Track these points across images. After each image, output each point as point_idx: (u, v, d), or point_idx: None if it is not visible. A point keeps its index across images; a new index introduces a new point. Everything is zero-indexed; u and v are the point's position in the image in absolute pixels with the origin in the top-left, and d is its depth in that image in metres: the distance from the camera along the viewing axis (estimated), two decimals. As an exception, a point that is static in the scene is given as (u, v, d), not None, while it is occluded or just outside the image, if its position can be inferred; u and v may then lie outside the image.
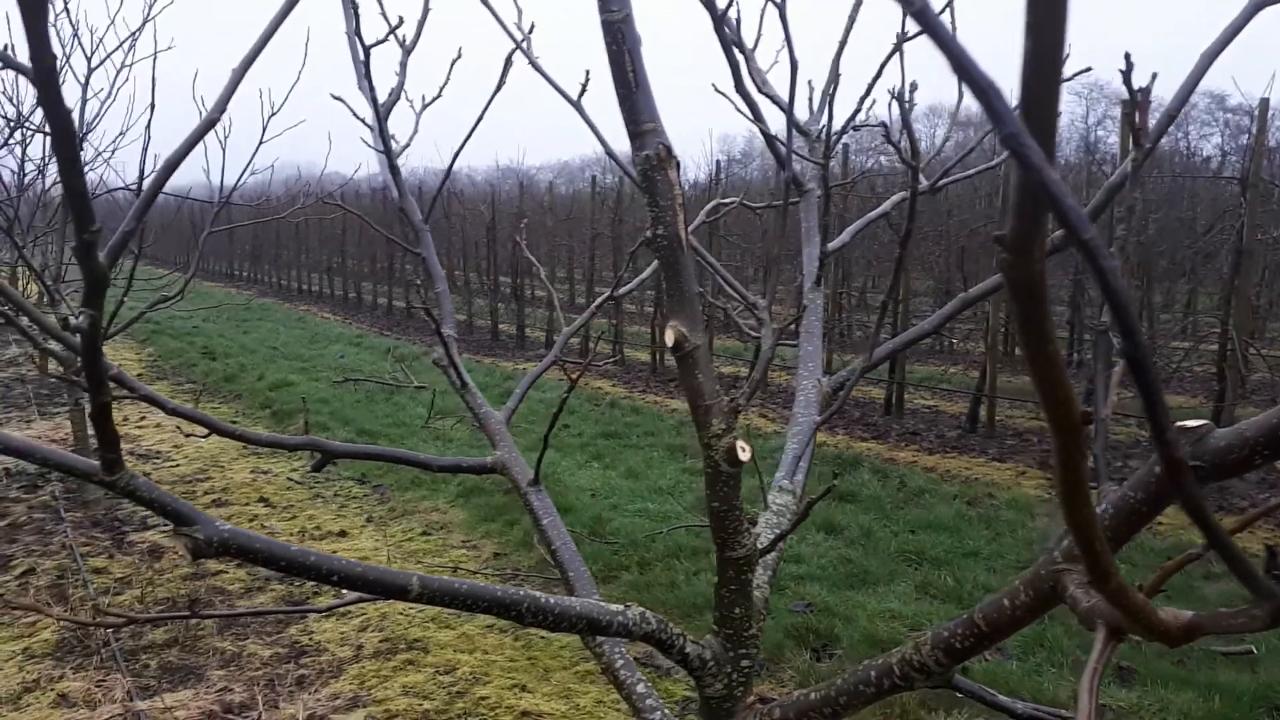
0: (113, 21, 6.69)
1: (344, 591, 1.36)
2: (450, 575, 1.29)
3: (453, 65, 2.47)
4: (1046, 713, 1.31)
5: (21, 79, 8.23)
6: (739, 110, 2.01)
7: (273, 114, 5.12)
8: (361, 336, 17.77)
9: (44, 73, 0.74)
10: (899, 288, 9.85)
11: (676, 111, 1.32)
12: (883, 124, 1.90)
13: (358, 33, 2.12)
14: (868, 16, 2.22)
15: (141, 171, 5.93)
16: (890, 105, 1.88)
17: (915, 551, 6.03)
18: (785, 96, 2.10)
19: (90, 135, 7.34)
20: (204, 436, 1.75)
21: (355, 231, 23.83)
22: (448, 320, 2.20)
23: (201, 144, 1.21)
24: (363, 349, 15.98)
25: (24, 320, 3.31)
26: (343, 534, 6.52)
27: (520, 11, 2.26)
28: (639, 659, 4.36)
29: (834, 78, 2.08)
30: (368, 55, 2.16)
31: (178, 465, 8.31)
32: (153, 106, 5.91)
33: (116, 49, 6.67)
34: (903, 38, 1.82)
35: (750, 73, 2.11)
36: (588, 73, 2.14)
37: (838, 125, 2.17)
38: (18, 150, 8.16)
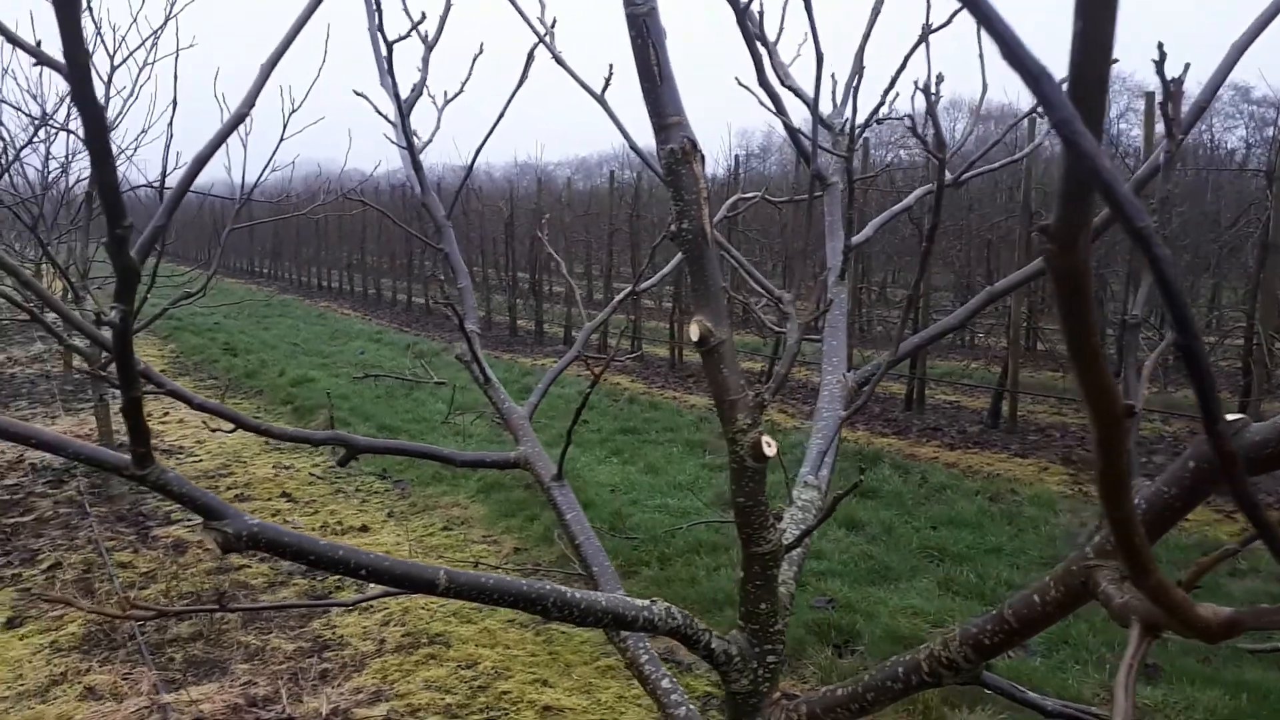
0: (135, 20, 6.74)
1: (368, 586, 1.36)
2: (472, 570, 1.29)
3: (474, 61, 2.47)
4: (1077, 709, 1.29)
5: (44, 78, 8.31)
6: (762, 104, 2.00)
7: (293, 110, 5.16)
8: (381, 333, 17.84)
9: (78, 69, 0.75)
10: (924, 281, 9.82)
11: (693, 106, 1.31)
12: (908, 116, 1.88)
13: (380, 29, 2.12)
14: (888, 6, 2.20)
15: (164, 168, 5.97)
16: (913, 98, 1.86)
17: (937, 548, 6.00)
18: (807, 89, 2.09)
19: (113, 133, 7.40)
20: (230, 432, 1.76)
21: (375, 228, 23.93)
22: (470, 315, 2.20)
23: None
24: (382, 345, 16.05)
25: (49, 316, 3.34)
26: (364, 529, 6.56)
27: (544, 6, 2.26)
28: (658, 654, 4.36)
29: (858, 69, 2.06)
30: (390, 51, 2.16)
31: (200, 460, 8.38)
32: (175, 103, 5.95)
33: (139, 47, 6.72)
34: (928, 29, 1.80)
35: (773, 66, 2.10)
36: (611, 67, 2.13)
37: (861, 118, 2.16)
38: (42, 149, 8.25)
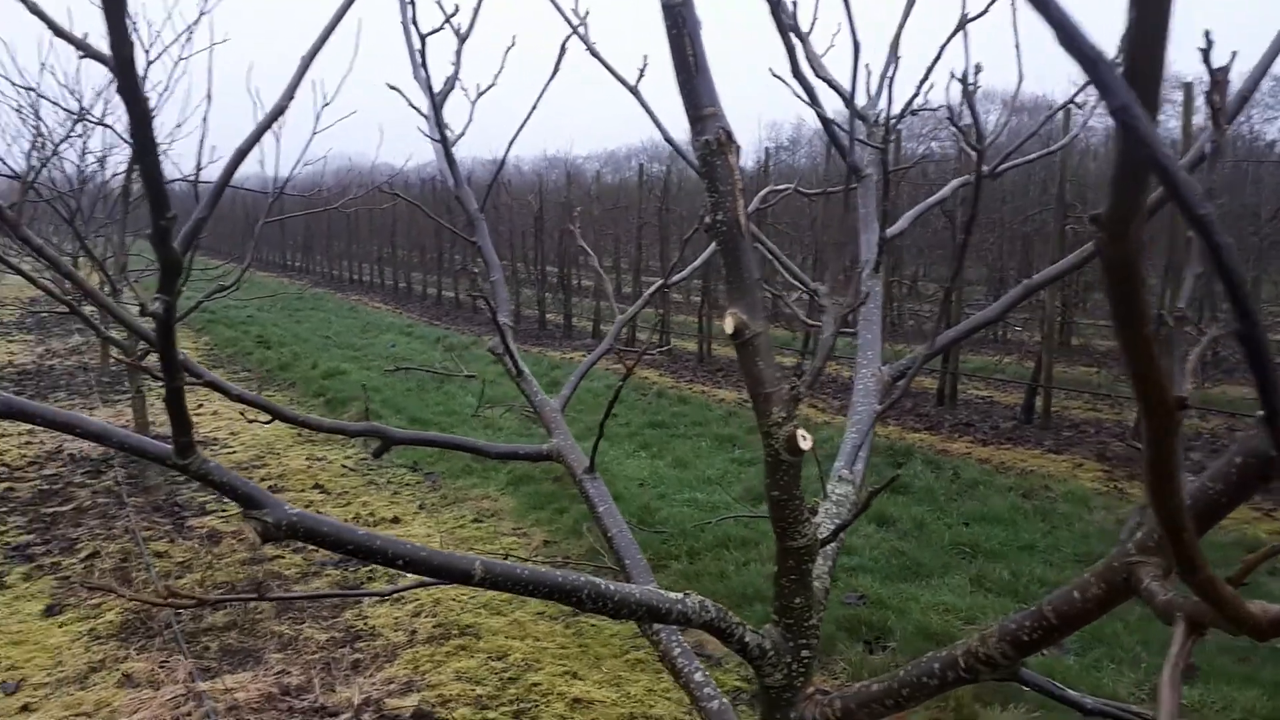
0: (169, 16, 6.82)
1: (402, 576, 1.37)
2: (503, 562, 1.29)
3: (507, 53, 2.47)
4: (1117, 708, 1.28)
5: (81, 74, 8.43)
6: (796, 95, 1.99)
7: (325, 104, 5.18)
8: (412, 326, 17.96)
9: (123, 62, 0.76)
10: (961, 274, 9.73)
11: (721, 97, 1.30)
12: (946, 106, 1.86)
13: (414, 21, 2.13)
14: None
15: (199, 162, 6.03)
16: (947, 88, 1.84)
17: (969, 544, 5.95)
18: (841, 80, 2.07)
19: (150, 128, 7.48)
20: (267, 423, 1.77)
21: (405, 222, 24.08)
22: (503, 309, 2.21)
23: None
24: (413, 338, 16.16)
25: (87, 309, 3.39)
26: (396, 520, 6.61)
27: (576, -2, 2.26)
28: (689, 648, 4.36)
29: (893, 59, 2.04)
30: (424, 44, 2.17)
31: (234, 452, 8.49)
32: (209, 98, 6.00)
33: (174, 42, 6.81)
34: (965, 18, 1.78)
35: (807, 57, 2.09)
36: (645, 57, 2.13)
37: (896, 109, 2.14)
38: (79, 143, 8.37)
